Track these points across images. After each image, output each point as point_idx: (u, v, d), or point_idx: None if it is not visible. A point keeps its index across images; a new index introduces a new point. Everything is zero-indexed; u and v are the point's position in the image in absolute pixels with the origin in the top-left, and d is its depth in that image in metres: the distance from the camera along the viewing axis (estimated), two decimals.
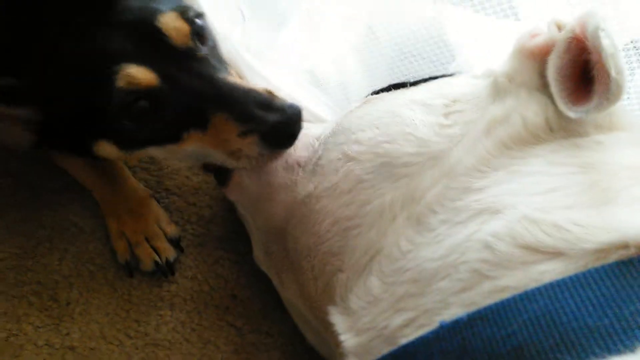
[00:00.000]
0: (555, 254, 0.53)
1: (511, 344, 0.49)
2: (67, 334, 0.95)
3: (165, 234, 1.01)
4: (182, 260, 1.03)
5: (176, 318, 0.98)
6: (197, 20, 0.75)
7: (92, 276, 1.00)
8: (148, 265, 0.99)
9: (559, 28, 0.65)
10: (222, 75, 0.74)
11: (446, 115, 0.70)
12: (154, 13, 0.70)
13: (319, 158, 0.77)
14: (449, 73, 0.90)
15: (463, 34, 0.99)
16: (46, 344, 0.94)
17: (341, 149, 0.74)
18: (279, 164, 0.83)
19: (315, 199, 0.74)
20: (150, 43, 0.69)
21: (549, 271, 0.52)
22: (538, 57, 0.66)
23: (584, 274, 0.50)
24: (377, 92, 0.82)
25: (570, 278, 0.51)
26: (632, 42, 0.80)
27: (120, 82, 0.68)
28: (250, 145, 0.74)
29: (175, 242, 1.02)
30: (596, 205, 0.56)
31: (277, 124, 0.73)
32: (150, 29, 0.69)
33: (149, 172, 1.10)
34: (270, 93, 0.75)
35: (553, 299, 0.50)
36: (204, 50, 0.74)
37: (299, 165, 0.80)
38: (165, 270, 1.00)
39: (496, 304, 0.52)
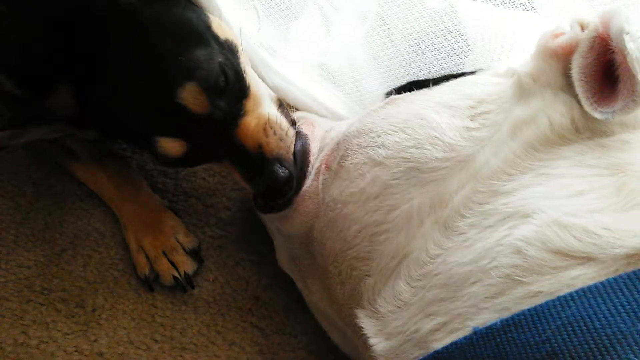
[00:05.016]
0: (587, 259, 0.53)
1: (546, 350, 0.50)
2: (95, 340, 0.96)
3: (183, 247, 1.01)
4: (203, 264, 1.03)
5: (201, 321, 0.99)
6: (219, 82, 0.79)
7: (116, 282, 1.01)
8: (167, 280, 1.00)
9: (582, 27, 0.64)
10: (232, 130, 0.82)
11: (472, 117, 0.69)
12: (171, 88, 0.77)
13: (343, 158, 0.76)
14: (466, 67, 0.89)
15: (479, 26, 0.97)
16: (76, 351, 0.95)
17: (366, 153, 0.73)
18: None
19: (342, 204, 0.74)
20: (175, 115, 0.79)
21: (581, 276, 0.53)
22: (562, 57, 0.66)
23: (615, 280, 0.51)
24: (398, 91, 0.82)
25: (603, 284, 0.51)
26: None
27: (159, 150, 0.82)
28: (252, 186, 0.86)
29: (194, 253, 1.02)
30: (625, 208, 0.56)
31: (266, 188, 0.84)
32: (171, 104, 0.78)
33: (167, 175, 1.11)
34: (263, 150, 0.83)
35: (586, 305, 0.50)
36: (222, 106, 0.81)
37: (324, 166, 0.80)
38: (184, 285, 1.00)
39: (529, 310, 0.52)
